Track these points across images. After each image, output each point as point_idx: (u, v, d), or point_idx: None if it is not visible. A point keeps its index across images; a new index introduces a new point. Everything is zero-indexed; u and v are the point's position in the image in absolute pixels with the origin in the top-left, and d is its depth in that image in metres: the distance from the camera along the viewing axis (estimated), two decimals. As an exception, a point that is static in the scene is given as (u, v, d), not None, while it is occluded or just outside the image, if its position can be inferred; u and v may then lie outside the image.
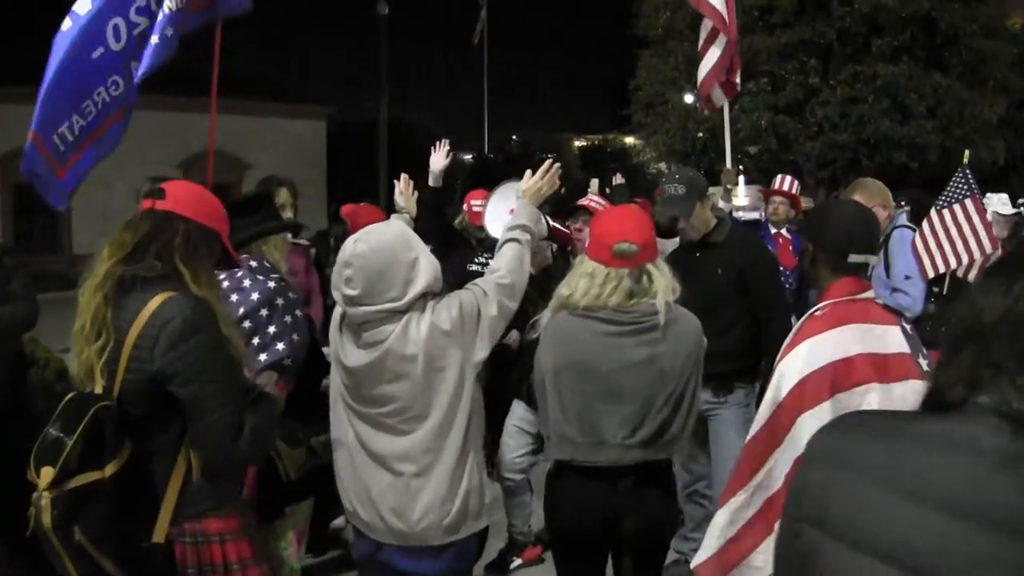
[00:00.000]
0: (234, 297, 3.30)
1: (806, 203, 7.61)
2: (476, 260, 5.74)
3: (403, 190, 3.89)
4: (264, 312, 3.28)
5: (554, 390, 3.00)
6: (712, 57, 6.97)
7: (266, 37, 22.53)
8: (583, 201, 5.32)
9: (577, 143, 36.68)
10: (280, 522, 3.52)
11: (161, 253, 2.54)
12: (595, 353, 2.94)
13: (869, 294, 2.75)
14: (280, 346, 3.28)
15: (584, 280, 2.99)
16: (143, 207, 2.63)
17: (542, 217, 3.27)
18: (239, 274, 3.34)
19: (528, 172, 3.33)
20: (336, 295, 2.87)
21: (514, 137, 37.30)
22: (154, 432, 2.52)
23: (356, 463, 2.96)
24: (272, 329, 3.27)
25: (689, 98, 17.98)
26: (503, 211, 4.44)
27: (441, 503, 2.86)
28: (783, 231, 6.76)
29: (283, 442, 3.38)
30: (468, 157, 33.61)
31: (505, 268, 3.02)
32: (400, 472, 2.87)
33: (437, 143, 5.15)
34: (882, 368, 2.54)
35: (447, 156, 5.09)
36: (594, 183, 6.23)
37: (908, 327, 2.74)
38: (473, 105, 35.88)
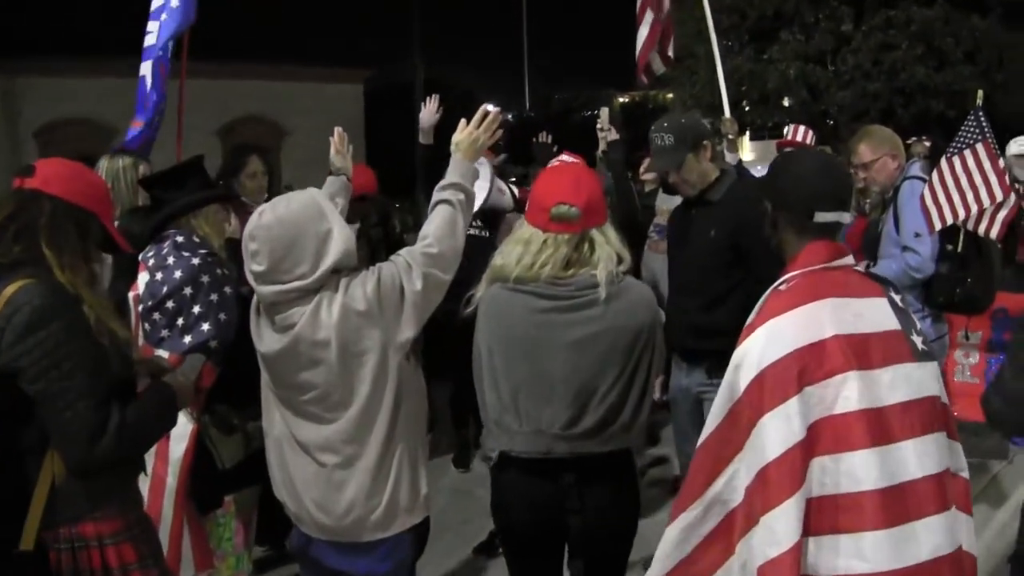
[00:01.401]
0: (159, 275, 2.95)
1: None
2: (473, 225, 5.35)
3: (338, 147, 3.36)
4: (188, 291, 2.91)
5: (488, 372, 2.59)
6: (642, 34, 6.38)
7: (302, 2, 22.12)
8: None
9: (620, 99, 35.79)
10: (221, 512, 3.22)
11: (21, 235, 2.22)
12: (527, 331, 2.52)
13: (845, 260, 2.21)
14: (205, 327, 2.92)
15: (518, 247, 2.55)
16: (13, 186, 2.32)
17: (482, 172, 2.83)
18: (164, 251, 3.00)
19: (463, 121, 2.84)
20: (247, 272, 2.51)
21: (556, 96, 36.56)
22: (16, 430, 2.18)
23: (283, 451, 2.62)
24: (197, 309, 2.91)
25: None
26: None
27: (367, 497, 2.51)
28: None
29: (215, 429, 3.06)
30: (509, 117, 33.02)
31: (433, 235, 2.61)
32: (323, 463, 2.53)
33: (427, 98, 4.87)
34: (862, 352, 2.05)
35: (438, 111, 4.79)
36: (604, 112, 5.63)
37: (898, 297, 2.24)
38: (513, 64, 35.20)
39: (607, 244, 2.54)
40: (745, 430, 2.06)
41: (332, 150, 3.31)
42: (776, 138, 15.33)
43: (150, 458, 3.06)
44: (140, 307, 3.01)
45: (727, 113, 6.94)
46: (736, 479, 2.08)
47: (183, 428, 3.00)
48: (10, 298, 2.12)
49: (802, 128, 6.50)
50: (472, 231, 5.28)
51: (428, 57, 26.42)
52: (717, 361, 3.50)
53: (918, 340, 2.17)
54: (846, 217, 2.25)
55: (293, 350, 2.45)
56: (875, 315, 2.13)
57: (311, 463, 2.56)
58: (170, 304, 2.90)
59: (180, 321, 2.92)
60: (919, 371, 2.11)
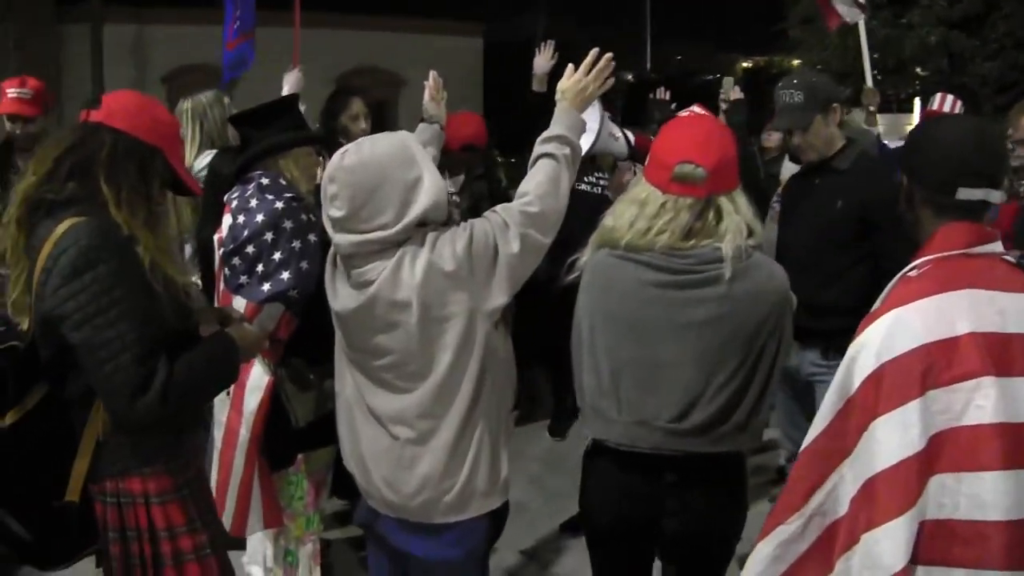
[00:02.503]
0: (241, 218, 2.73)
1: None
2: (586, 179, 5.04)
3: (433, 94, 3.09)
4: (269, 236, 2.68)
5: (588, 351, 2.25)
6: None
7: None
8: (683, 113, 4.36)
9: (744, 64, 34.42)
10: (292, 470, 3.05)
11: (78, 170, 2.04)
12: (636, 308, 2.16)
13: (991, 246, 1.85)
14: (285, 275, 2.68)
15: (632, 208, 2.19)
16: (80, 118, 2.15)
17: (590, 113, 2.47)
18: (248, 193, 2.80)
19: (570, 67, 2.49)
20: (324, 218, 2.27)
21: (679, 57, 35.47)
22: (67, 379, 2.04)
23: (354, 419, 2.37)
24: (277, 255, 2.68)
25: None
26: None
27: (441, 477, 2.24)
28: None
29: (291, 383, 2.88)
30: (629, 76, 32.18)
31: (534, 192, 2.27)
32: (396, 436, 2.26)
33: (542, 44, 4.64)
34: (1004, 355, 1.69)
35: (552, 58, 4.55)
36: (728, 81, 5.25)
37: None
38: (636, 20, 34.22)
39: (736, 213, 2.15)
40: (855, 433, 1.74)
41: (426, 96, 3.04)
42: (905, 111, 14.27)
43: (224, 407, 2.95)
44: (221, 251, 2.85)
45: (869, 81, 6.41)
46: (840, 488, 1.76)
47: (259, 379, 2.84)
48: (59, 238, 1.94)
49: (949, 97, 5.86)
50: (583, 186, 5.01)
51: (549, 11, 26.08)
52: (831, 342, 3.25)
53: None
54: (996, 196, 1.86)
55: (369, 310, 2.18)
56: (1022, 313, 1.76)
57: (383, 435, 2.30)
58: (250, 249, 2.69)
59: (260, 268, 2.69)
60: None
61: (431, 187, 2.17)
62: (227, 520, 2.94)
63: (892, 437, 1.67)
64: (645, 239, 2.13)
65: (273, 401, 2.84)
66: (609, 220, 2.22)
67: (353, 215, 2.15)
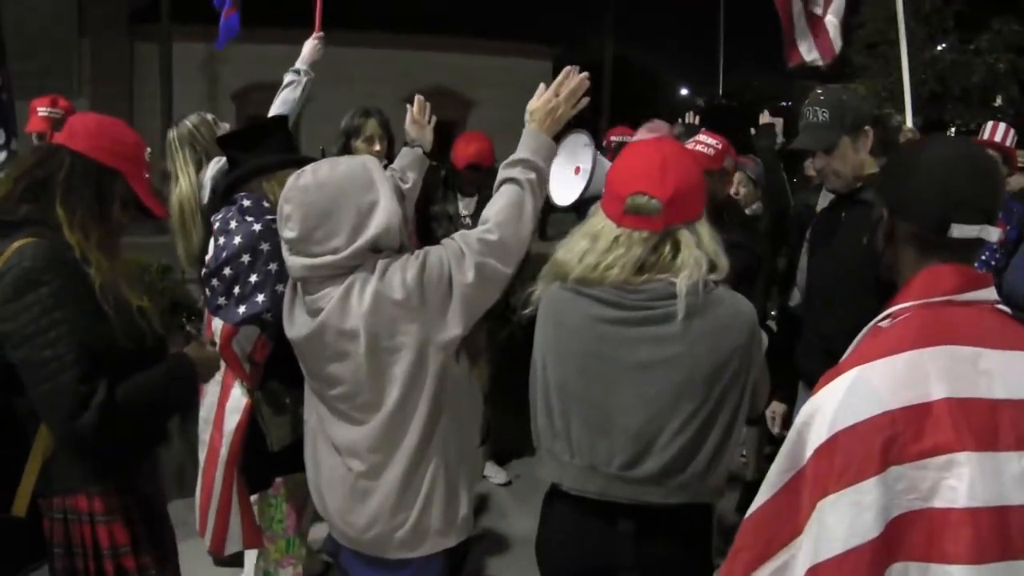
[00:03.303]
0: (221, 240, 2.70)
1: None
2: None
3: (416, 117, 2.96)
4: (246, 258, 2.62)
5: (542, 390, 2.10)
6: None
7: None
8: (688, 145, 3.93)
9: (818, 91, 33.68)
10: (272, 493, 3.01)
11: (35, 191, 2.05)
12: (585, 345, 2.01)
13: (983, 293, 1.58)
14: (260, 298, 2.62)
15: (584, 242, 2.03)
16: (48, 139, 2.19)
17: (554, 148, 2.36)
18: (229, 215, 2.80)
19: (541, 86, 2.36)
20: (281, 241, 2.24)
21: (756, 82, 34.99)
22: (15, 395, 2.02)
23: (317, 447, 2.30)
24: (254, 278, 2.62)
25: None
26: (569, 169, 3.60)
27: (391, 512, 2.15)
28: None
29: (267, 406, 2.85)
30: (700, 102, 31.87)
31: (494, 219, 2.17)
32: (350, 468, 2.19)
33: (568, 71, 4.47)
34: (986, 425, 1.44)
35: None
36: (765, 113, 4.96)
37: None
38: (708, 47, 33.93)
39: (696, 246, 1.97)
40: (807, 509, 1.49)
41: (407, 119, 3.00)
42: (971, 143, 13.49)
43: (208, 427, 2.96)
44: (203, 272, 2.85)
45: (909, 121, 6.01)
46: (794, 567, 1.51)
47: (238, 401, 2.81)
48: (7, 259, 1.94)
49: (1002, 126, 5.49)
50: None
51: (619, 36, 26.03)
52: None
53: None
54: (992, 233, 1.60)
55: (319, 338, 2.11)
56: (1016, 376, 1.49)
57: (340, 465, 2.23)
58: (227, 271, 2.65)
59: (236, 289, 2.64)
60: None
61: (384, 212, 2.09)
62: (208, 538, 2.94)
63: (841, 522, 1.43)
64: (595, 274, 1.98)
65: (251, 423, 2.81)
66: (560, 252, 2.07)
67: (305, 237, 2.09)
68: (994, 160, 1.80)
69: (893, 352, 1.50)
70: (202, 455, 2.95)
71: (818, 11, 5.88)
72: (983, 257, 4.92)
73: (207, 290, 2.79)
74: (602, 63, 24.38)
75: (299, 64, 3.77)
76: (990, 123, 5.59)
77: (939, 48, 15.67)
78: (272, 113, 3.50)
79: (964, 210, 1.58)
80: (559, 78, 2.35)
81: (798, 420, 1.56)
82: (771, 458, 5.05)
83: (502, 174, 2.28)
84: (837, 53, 5.88)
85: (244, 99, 17.24)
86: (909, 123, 5.63)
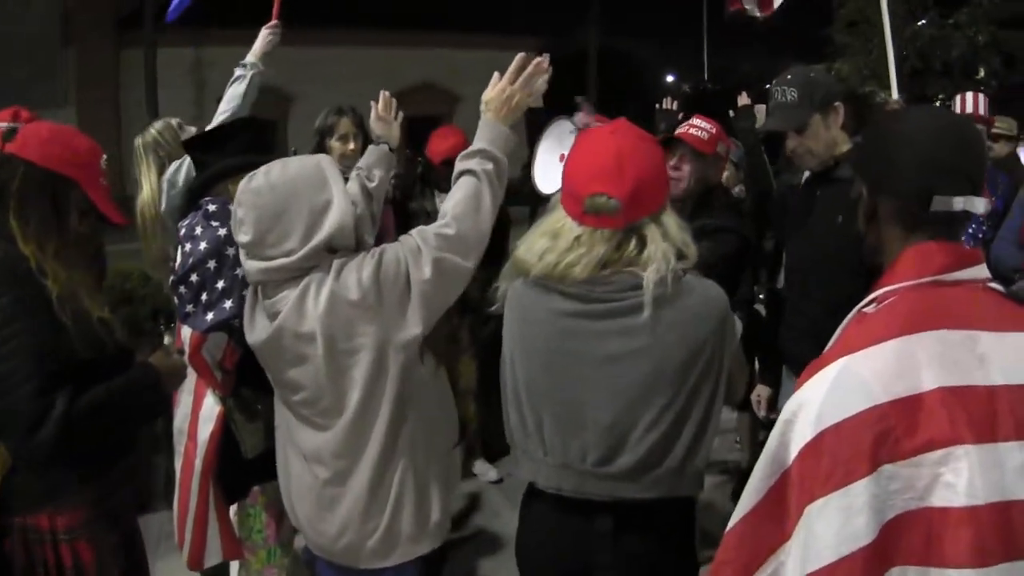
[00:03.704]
0: (187, 246, 2.63)
1: (1003, 127, 5.84)
2: None
3: (381, 113, 2.88)
4: (212, 264, 2.55)
5: (512, 387, 2.02)
6: None
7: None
8: (681, 130, 3.73)
9: (786, 72, 33.46)
10: (250, 502, 2.93)
11: None
12: (550, 340, 1.92)
13: (972, 271, 1.46)
14: (228, 304, 2.55)
15: (544, 240, 1.92)
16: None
17: (515, 139, 2.28)
18: (194, 220, 2.72)
19: (496, 75, 2.28)
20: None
21: (744, 67, 34.85)
22: None
23: (287, 454, 2.24)
24: (220, 284, 2.54)
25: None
26: (554, 156, 3.49)
27: (361, 520, 2.09)
28: None
29: (240, 413, 2.77)
30: (686, 87, 31.71)
31: (451, 212, 2.11)
32: (316, 475, 2.12)
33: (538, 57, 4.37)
34: (984, 415, 1.32)
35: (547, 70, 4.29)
36: (760, 111, 4.91)
37: None
38: (693, 33, 33.77)
39: (663, 239, 1.86)
40: (794, 514, 1.38)
41: (372, 115, 2.92)
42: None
43: (183, 437, 2.88)
44: (171, 279, 2.78)
45: (895, 93, 5.95)
46: (783, 574, 1.40)
47: (211, 409, 2.75)
48: None
49: (969, 95, 5.38)
50: None
51: (604, 25, 25.90)
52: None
53: None
54: (979, 204, 1.48)
55: (277, 342, 2.04)
56: (1014, 359, 1.37)
57: (307, 472, 2.16)
58: (194, 277, 2.57)
59: (204, 296, 2.57)
60: None
61: (338, 211, 2.02)
62: (185, 551, 2.87)
63: (830, 527, 1.32)
64: (556, 271, 1.88)
65: (224, 431, 2.74)
66: (521, 250, 1.97)
67: (259, 240, 2.02)
68: (977, 129, 1.70)
69: (880, 340, 1.38)
70: (178, 466, 2.87)
71: None
72: (970, 229, 4.85)
73: (175, 297, 2.71)
74: (587, 52, 24.28)
75: (249, 57, 3.62)
76: (958, 96, 5.49)
77: (919, 24, 15.52)
78: (220, 111, 3.38)
79: (947, 180, 1.47)
80: (513, 65, 2.27)
81: (781, 418, 1.44)
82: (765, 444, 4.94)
83: (459, 166, 2.22)
84: (775, 8, 5.85)
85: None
86: (895, 96, 5.58)
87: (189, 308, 2.64)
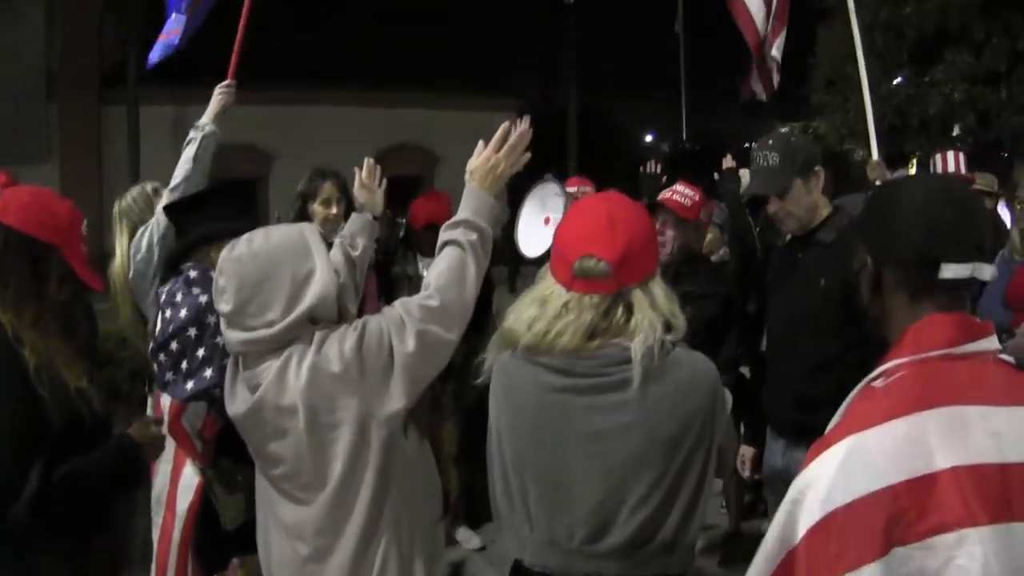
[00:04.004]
0: (168, 313, 2.60)
1: (983, 183, 5.86)
2: None
3: (364, 181, 2.86)
4: (192, 332, 2.51)
5: (499, 461, 1.97)
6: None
7: (456, 29, 22.30)
8: (664, 196, 3.87)
9: (782, 130, 34.06)
10: (228, 574, 2.87)
11: None
12: (536, 414, 1.88)
13: (984, 343, 1.42)
14: (208, 372, 2.50)
15: (533, 308, 1.89)
16: None
17: (499, 207, 2.29)
18: (175, 287, 2.68)
19: (480, 144, 2.28)
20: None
21: (720, 125, 35.31)
22: None
23: (268, 528, 2.18)
24: (201, 352, 2.50)
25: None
26: (539, 219, 3.47)
27: None
28: None
29: (219, 485, 2.71)
30: (665, 147, 32.07)
31: (435, 284, 2.08)
32: (297, 551, 2.05)
33: (518, 120, 4.29)
34: (1000, 495, 1.28)
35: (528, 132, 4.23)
36: (744, 174, 4.94)
37: None
38: (671, 93, 34.25)
39: (651, 307, 1.83)
40: None
41: (356, 183, 2.90)
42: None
43: (160, 507, 2.81)
44: (151, 347, 2.72)
45: (875, 153, 5.98)
46: None
47: (190, 480, 2.71)
48: None
49: (950, 154, 5.42)
50: None
51: (584, 86, 26.21)
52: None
53: None
54: (987, 271, 1.44)
55: (258, 415, 1.99)
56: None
57: (289, 548, 2.09)
58: (174, 345, 2.53)
59: (184, 364, 2.53)
60: None
61: (321, 282, 1.99)
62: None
63: None
64: (544, 340, 1.84)
65: (203, 502, 2.68)
66: (510, 319, 1.94)
67: (240, 310, 1.98)
68: (977, 194, 1.71)
69: (890, 417, 1.33)
70: (155, 536, 2.78)
71: (765, 47, 6.10)
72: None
73: (155, 365, 2.66)
74: (566, 113, 24.48)
75: (203, 118, 3.56)
76: (938, 155, 5.54)
77: (895, 83, 15.76)
78: (175, 175, 3.34)
79: (954, 247, 1.43)
80: (498, 134, 2.28)
81: (788, 496, 1.39)
82: (752, 507, 4.87)
83: (443, 236, 2.20)
84: (775, 90, 6.13)
85: (214, 160, 17.02)
86: (875, 155, 5.64)
87: (169, 376, 2.59)
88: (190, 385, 2.54)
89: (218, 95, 3.64)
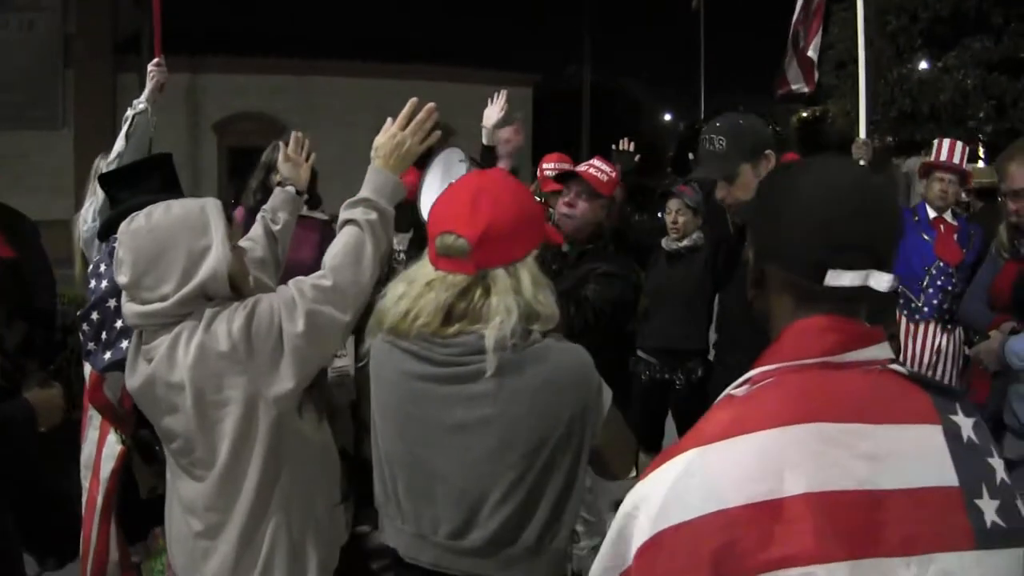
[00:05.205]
0: (92, 283, 2.61)
1: (984, 177, 5.68)
2: None
3: (290, 154, 2.80)
4: (112, 303, 2.48)
5: (374, 449, 1.92)
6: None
7: (472, 4, 22.16)
8: (581, 168, 3.60)
9: (804, 114, 33.62)
10: (151, 543, 2.87)
11: None
12: (402, 404, 1.82)
13: (871, 352, 1.23)
14: (125, 344, 2.45)
15: (401, 286, 1.82)
16: None
17: (401, 187, 2.22)
18: (100, 258, 2.66)
19: (388, 121, 2.21)
20: None
21: (740, 106, 34.93)
22: None
23: (171, 502, 2.16)
24: (119, 323, 2.49)
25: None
26: (442, 185, 3.41)
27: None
28: (946, 216, 4.82)
29: (139, 455, 2.72)
30: (681, 126, 31.81)
31: (330, 263, 2.04)
32: (190, 526, 2.05)
33: (495, 94, 4.06)
34: (862, 527, 1.10)
35: (502, 109, 3.97)
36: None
37: (970, 424, 1.21)
38: (690, 72, 33.89)
39: (513, 292, 1.73)
40: None
41: (280, 156, 2.86)
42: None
43: (88, 473, 2.83)
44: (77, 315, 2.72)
45: (862, 132, 5.90)
46: None
47: (112, 448, 2.74)
48: None
49: (947, 142, 5.20)
50: None
51: (599, 63, 26.04)
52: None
53: (990, 507, 1.15)
54: (883, 281, 1.22)
55: (151, 390, 1.97)
56: (909, 458, 1.15)
57: (183, 522, 2.08)
58: (95, 315, 2.52)
59: (104, 335, 2.54)
60: (978, 569, 1.13)
61: (215, 258, 1.95)
62: (86, 587, 2.79)
63: None
64: (404, 322, 1.77)
65: (124, 471, 2.70)
66: (382, 299, 1.87)
67: (136, 283, 1.95)
68: (888, 189, 1.48)
69: (745, 431, 1.15)
70: (84, 501, 2.80)
71: (801, 43, 6.15)
72: (938, 283, 4.75)
73: (80, 335, 2.65)
74: (580, 90, 24.34)
75: (139, 97, 3.57)
76: (937, 141, 5.31)
77: (907, 67, 15.39)
78: (112, 152, 3.34)
79: (845, 253, 1.22)
80: (405, 110, 2.21)
81: (621, 510, 1.23)
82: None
83: (343, 215, 2.15)
84: (816, 83, 6.44)
85: (225, 130, 17.19)
86: (862, 134, 5.57)
87: (90, 346, 2.59)
88: (107, 356, 2.53)
89: (151, 73, 3.68)
